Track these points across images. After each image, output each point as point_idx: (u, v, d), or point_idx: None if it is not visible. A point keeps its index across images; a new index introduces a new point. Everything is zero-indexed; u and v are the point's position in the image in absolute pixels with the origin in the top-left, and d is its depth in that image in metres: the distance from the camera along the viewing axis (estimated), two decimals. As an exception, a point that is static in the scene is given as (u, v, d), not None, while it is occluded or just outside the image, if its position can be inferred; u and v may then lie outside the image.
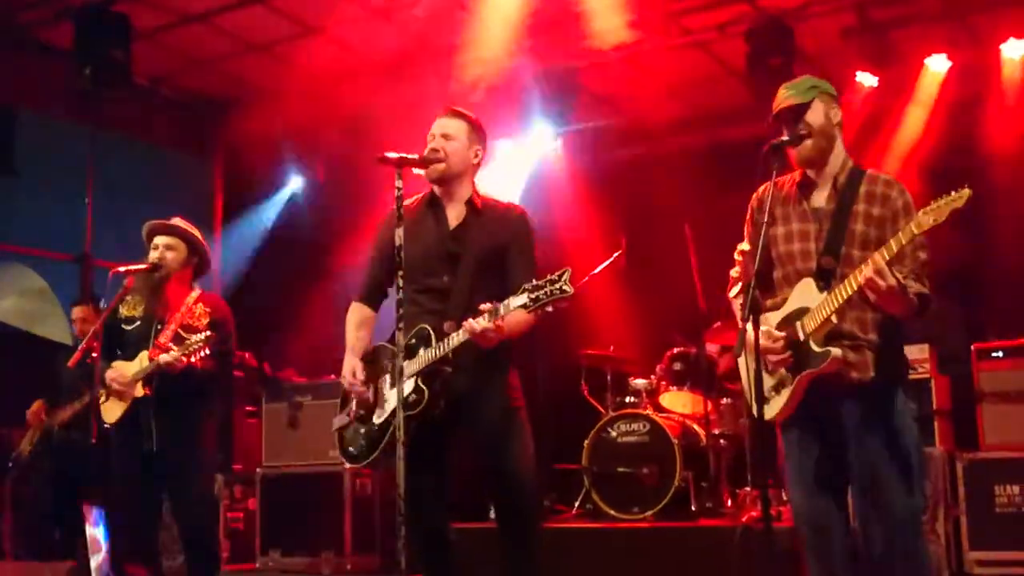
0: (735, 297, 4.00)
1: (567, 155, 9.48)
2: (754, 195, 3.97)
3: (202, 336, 4.94)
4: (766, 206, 3.69)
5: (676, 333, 7.76)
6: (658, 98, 8.96)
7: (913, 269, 3.60)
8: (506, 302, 3.79)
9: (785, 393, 3.68)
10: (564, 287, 3.68)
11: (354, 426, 4.25)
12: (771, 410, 3.72)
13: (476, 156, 4.30)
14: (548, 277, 3.72)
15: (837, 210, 3.74)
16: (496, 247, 4.18)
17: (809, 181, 3.84)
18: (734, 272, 4.06)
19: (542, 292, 3.71)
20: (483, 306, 3.86)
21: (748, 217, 4.01)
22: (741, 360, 3.81)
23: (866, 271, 3.42)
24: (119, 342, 5.15)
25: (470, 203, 4.27)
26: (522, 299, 3.73)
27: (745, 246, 4.02)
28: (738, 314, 3.85)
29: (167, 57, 8.31)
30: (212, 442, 5.27)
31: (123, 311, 5.22)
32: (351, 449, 4.26)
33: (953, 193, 3.32)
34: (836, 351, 3.57)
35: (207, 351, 4.92)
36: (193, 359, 4.88)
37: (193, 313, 5.17)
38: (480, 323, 3.83)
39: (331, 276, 9.01)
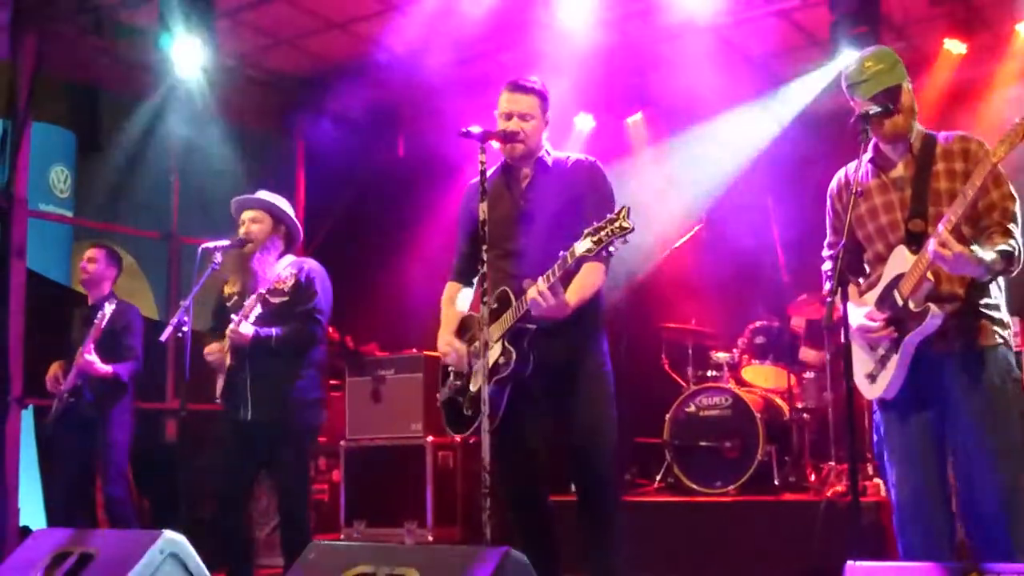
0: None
1: (648, 127, 9.42)
2: (831, 185, 3.98)
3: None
4: (848, 189, 3.69)
5: (758, 306, 7.69)
6: (740, 69, 8.86)
7: (1000, 221, 3.56)
8: (571, 249, 3.77)
9: (891, 366, 3.63)
10: (623, 223, 3.66)
11: (455, 398, 4.29)
12: (878, 387, 3.68)
13: (547, 123, 4.32)
14: (608, 216, 3.70)
15: (916, 173, 3.71)
16: (568, 201, 4.17)
17: (884, 157, 3.81)
18: (826, 267, 4.03)
19: (604, 232, 3.68)
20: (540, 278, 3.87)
21: (829, 207, 3.99)
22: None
23: (931, 244, 3.38)
24: (226, 320, 5.24)
25: (539, 162, 4.28)
26: (585, 244, 3.71)
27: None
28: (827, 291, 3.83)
29: (249, 36, 8.40)
30: (305, 411, 5.24)
31: (226, 290, 5.33)
32: (455, 421, 4.30)
33: (1018, 119, 3.28)
34: (934, 307, 3.52)
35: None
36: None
37: (280, 277, 5.25)
38: (532, 290, 3.85)
39: (412, 250, 9.08)
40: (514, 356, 4.00)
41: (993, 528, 3.52)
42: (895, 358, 3.61)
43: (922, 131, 3.80)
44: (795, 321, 7.33)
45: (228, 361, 5.17)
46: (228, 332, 5.06)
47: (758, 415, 6.84)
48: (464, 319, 4.36)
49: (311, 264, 5.37)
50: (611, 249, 3.71)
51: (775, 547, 6.01)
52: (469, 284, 4.47)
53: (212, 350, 5.18)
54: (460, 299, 4.46)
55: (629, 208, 3.69)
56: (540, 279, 3.85)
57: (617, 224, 3.67)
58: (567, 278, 3.93)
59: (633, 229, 3.66)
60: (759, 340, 7.53)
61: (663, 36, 8.13)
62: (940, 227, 3.42)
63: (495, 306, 4.07)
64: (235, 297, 5.28)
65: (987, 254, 3.45)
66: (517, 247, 4.21)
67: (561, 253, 3.81)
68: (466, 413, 4.21)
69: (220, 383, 5.25)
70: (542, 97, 4.28)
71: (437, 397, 4.42)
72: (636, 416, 7.54)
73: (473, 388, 4.19)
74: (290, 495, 5.20)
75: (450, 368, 4.34)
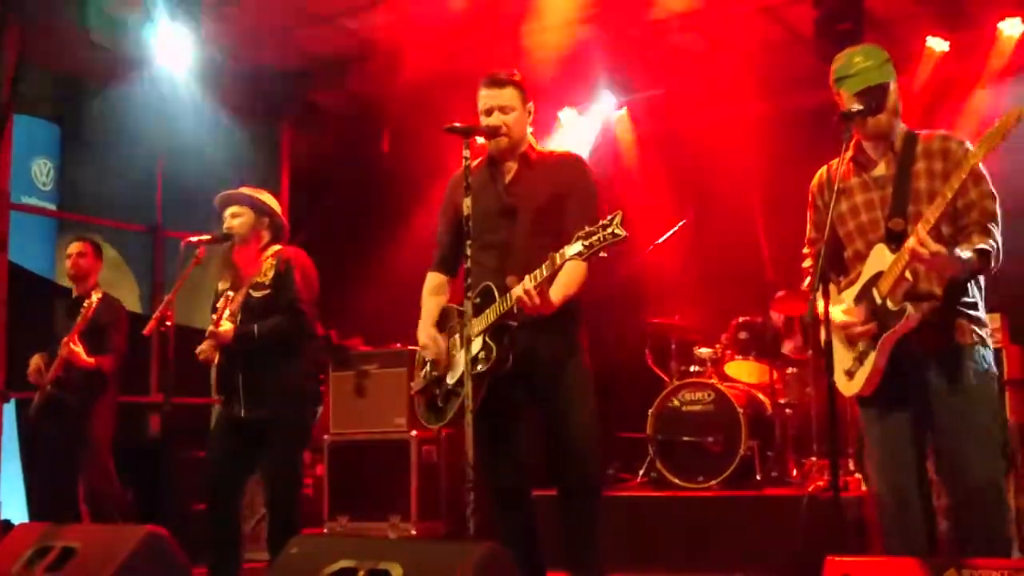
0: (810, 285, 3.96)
1: (632, 123, 9.43)
2: (812, 182, 4.01)
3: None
4: (830, 186, 3.71)
5: (742, 302, 7.71)
6: (724, 65, 8.88)
7: (979, 220, 3.58)
8: (561, 251, 3.77)
9: (868, 363, 3.65)
10: (616, 231, 3.66)
11: (430, 388, 4.31)
12: (856, 384, 3.70)
13: (529, 113, 4.34)
14: (600, 222, 3.70)
15: (898, 172, 3.74)
16: (553, 197, 4.20)
17: (865, 156, 3.83)
18: (807, 264, 4.05)
19: (595, 238, 3.69)
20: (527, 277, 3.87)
21: (809, 203, 4.02)
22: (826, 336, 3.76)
23: (909, 242, 3.41)
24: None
25: (523, 156, 4.30)
26: (576, 247, 3.72)
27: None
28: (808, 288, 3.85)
29: (235, 29, 8.37)
30: (299, 405, 5.22)
31: (219, 287, 5.30)
32: (429, 411, 4.33)
33: (997, 122, 3.31)
34: (911, 307, 3.54)
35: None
36: None
37: (261, 270, 5.24)
38: (518, 289, 3.85)
39: (396, 244, 9.08)
40: (494, 352, 4.02)
41: (971, 522, 3.55)
42: (872, 356, 3.64)
43: (904, 130, 3.83)
44: (775, 316, 7.36)
45: (216, 358, 5.16)
46: (208, 332, 5.06)
47: (741, 410, 6.87)
48: (444, 310, 4.37)
49: (290, 253, 5.31)
50: (601, 254, 3.73)
51: (757, 542, 6.03)
52: (451, 274, 4.46)
53: (202, 349, 5.17)
54: (440, 289, 4.47)
55: (622, 215, 3.68)
56: (527, 278, 3.86)
57: (609, 231, 3.67)
58: (551, 276, 3.93)
59: (625, 237, 3.66)
60: (742, 336, 7.56)
61: (647, 31, 8.14)
62: (919, 225, 3.44)
63: (477, 301, 4.08)
64: (225, 294, 5.27)
65: (964, 253, 3.48)
66: (500, 240, 4.22)
67: (550, 254, 3.82)
68: (439, 405, 4.24)
69: (214, 379, 5.24)
70: (520, 88, 4.28)
71: (412, 386, 4.42)
72: (619, 411, 7.57)
73: (450, 381, 4.21)
74: (280, 490, 5.15)
75: (427, 358, 4.34)
